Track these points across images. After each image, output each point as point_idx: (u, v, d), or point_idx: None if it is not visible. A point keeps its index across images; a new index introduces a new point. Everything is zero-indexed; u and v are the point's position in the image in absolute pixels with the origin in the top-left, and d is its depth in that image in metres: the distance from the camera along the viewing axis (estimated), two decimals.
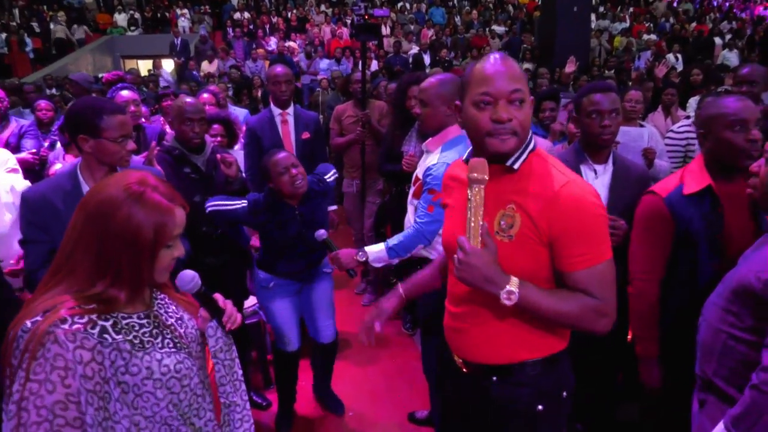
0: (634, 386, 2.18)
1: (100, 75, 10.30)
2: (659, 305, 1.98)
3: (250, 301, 3.28)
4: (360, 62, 4.32)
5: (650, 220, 1.94)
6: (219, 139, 3.30)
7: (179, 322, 1.34)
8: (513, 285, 1.29)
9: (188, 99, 2.70)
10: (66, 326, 1.11)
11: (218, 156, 2.71)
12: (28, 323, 1.10)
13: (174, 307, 1.36)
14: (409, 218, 2.51)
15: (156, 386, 1.20)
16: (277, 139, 3.44)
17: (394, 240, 2.33)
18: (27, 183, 2.83)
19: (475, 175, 1.28)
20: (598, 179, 2.16)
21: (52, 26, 15.56)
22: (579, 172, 2.15)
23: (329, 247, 2.45)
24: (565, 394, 1.47)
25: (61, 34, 15.64)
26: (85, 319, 1.14)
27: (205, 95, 4.56)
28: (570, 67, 5.08)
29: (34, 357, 1.07)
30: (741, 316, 1.45)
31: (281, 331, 2.83)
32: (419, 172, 2.46)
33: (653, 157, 3.19)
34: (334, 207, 3.68)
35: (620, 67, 10.20)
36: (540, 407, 1.43)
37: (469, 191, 1.29)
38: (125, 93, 3.52)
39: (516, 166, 1.36)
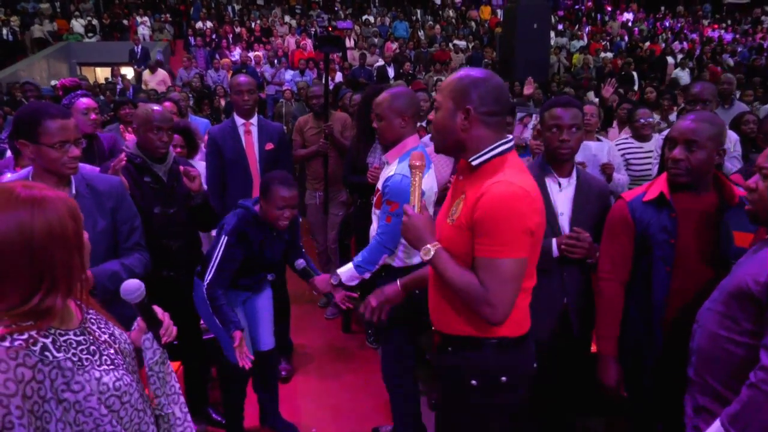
0: (600, 399, 2.21)
1: (53, 82, 10.00)
2: (621, 306, 2.05)
3: None
4: (324, 74, 4.30)
5: (615, 223, 2.05)
6: (178, 149, 3.22)
7: (112, 337, 1.31)
8: (433, 246, 1.57)
9: (155, 107, 2.61)
10: (6, 343, 1.06)
11: (181, 168, 2.63)
12: None
13: (104, 323, 1.33)
14: (374, 229, 2.53)
15: (98, 403, 1.18)
16: (240, 149, 3.38)
17: (359, 257, 2.44)
18: None
19: (414, 162, 1.69)
20: (562, 192, 2.19)
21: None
22: (544, 185, 2.18)
23: (308, 275, 2.64)
24: (504, 378, 1.60)
25: (39, 34, 15.28)
26: (25, 336, 1.09)
27: (167, 104, 4.48)
28: (528, 89, 5.19)
29: None
30: (739, 320, 1.49)
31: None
32: (379, 183, 2.52)
33: (611, 172, 3.28)
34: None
35: (578, 84, 10.48)
36: (473, 382, 1.61)
37: (411, 174, 1.69)
38: (85, 100, 3.41)
39: (474, 164, 1.56)
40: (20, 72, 13.09)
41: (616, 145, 3.78)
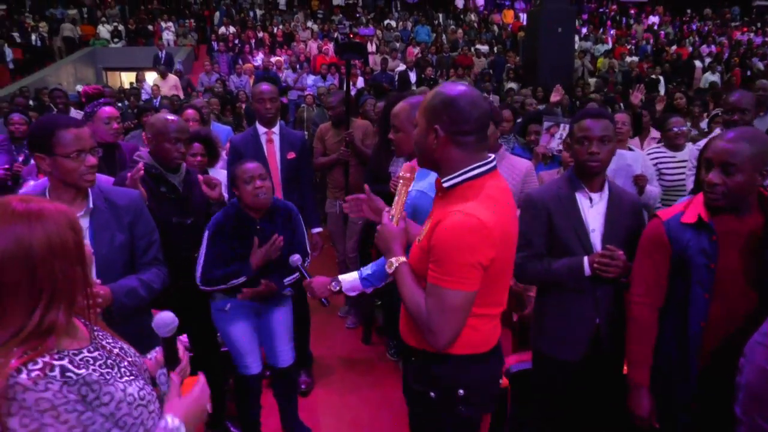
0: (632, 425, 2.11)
1: (78, 87, 10.14)
2: (655, 332, 1.94)
3: None
4: (345, 81, 4.25)
5: (649, 243, 1.93)
6: (199, 158, 3.19)
7: (122, 351, 1.28)
8: (397, 260, 1.63)
9: (171, 116, 2.58)
10: (24, 377, 1.01)
11: (200, 177, 2.60)
12: None
13: (111, 338, 1.30)
14: None
15: (128, 412, 1.15)
16: (262, 158, 3.34)
17: (368, 269, 2.27)
18: None
19: (402, 173, 1.76)
20: (594, 207, 2.09)
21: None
22: (574, 200, 2.09)
23: (302, 274, 2.38)
24: (461, 392, 1.62)
25: (69, 33, 15.58)
26: (40, 364, 1.04)
27: (189, 111, 4.46)
28: (555, 96, 5.07)
29: (8, 413, 0.98)
30: None
31: (240, 355, 2.72)
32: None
33: (644, 184, 3.17)
34: (319, 229, 3.57)
35: (606, 89, 10.28)
36: (432, 394, 1.65)
37: (399, 185, 1.74)
38: (107, 109, 3.40)
39: (445, 185, 1.58)
40: (48, 77, 13.33)
41: (648, 154, 3.66)
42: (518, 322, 2.67)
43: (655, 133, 4.51)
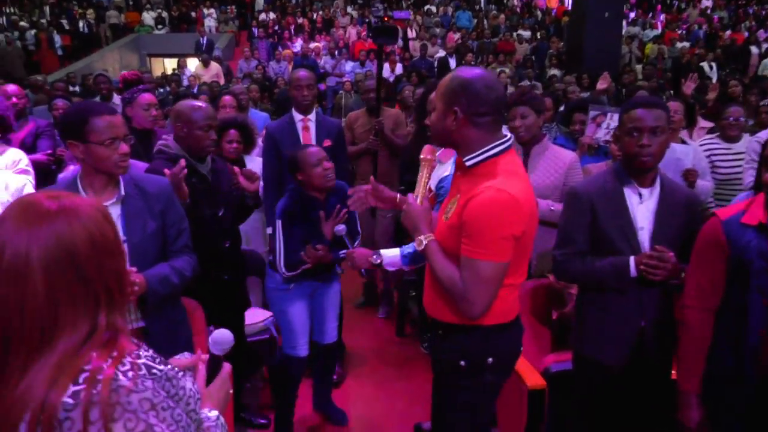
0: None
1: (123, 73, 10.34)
2: (709, 338, 1.81)
3: (263, 315, 3.14)
4: (378, 67, 4.16)
5: (706, 245, 1.80)
6: (234, 145, 3.16)
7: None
8: (426, 238, 1.70)
9: (198, 102, 2.53)
10: (124, 379, 0.93)
11: (237, 169, 2.56)
12: (69, 400, 0.89)
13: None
14: None
15: (194, 405, 1.09)
16: (298, 146, 3.29)
17: (409, 248, 2.23)
18: (25, 180, 2.69)
19: (424, 156, 1.82)
20: (644, 204, 1.96)
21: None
22: (621, 195, 1.96)
23: (346, 243, 2.51)
24: (491, 360, 1.71)
25: (115, 20, 16.12)
26: (128, 366, 0.95)
27: (227, 98, 4.46)
28: (602, 84, 4.85)
29: (112, 419, 0.90)
30: None
31: (294, 334, 2.78)
32: (433, 183, 2.46)
33: (694, 179, 2.99)
34: None
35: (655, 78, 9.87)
36: (462, 363, 1.72)
37: (420, 166, 1.81)
38: (147, 95, 3.42)
39: (468, 164, 1.63)
40: (94, 63, 13.66)
41: (701, 145, 3.46)
42: (557, 321, 2.56)
43: (703, 123, 4.27)
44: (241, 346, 2.91)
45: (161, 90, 9.21)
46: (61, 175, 3.23)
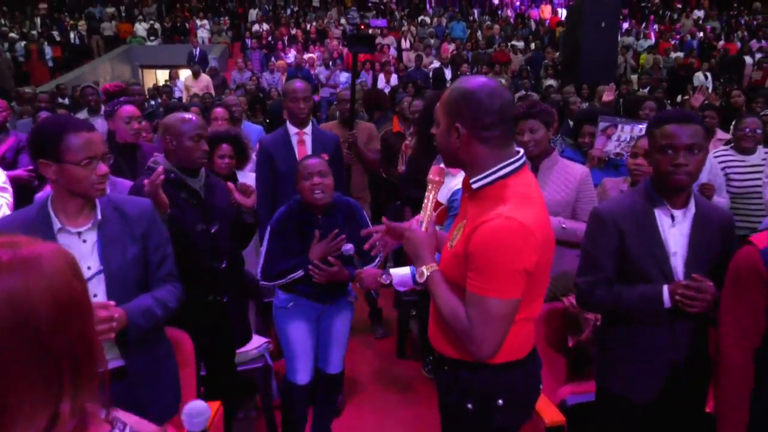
0: None
1: None
2: (752, 381, 1.62)
3: (256, 342, 2.94)
4: (351, 75, 3.98)
5: (742, 275, 1.61)
6: (227, 160, 2.98)
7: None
8: (428, 269, 1.53)
9: (187, 114, 2.37)
10: None
11: (231, 185, 2.39)
12: None
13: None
14: None
15: None
16: (293, 160, 3.12)
17: None
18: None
19: (432, 177, 1.62)
20: (676, 227, 1.78)
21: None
22: (652, 217, 1.79)
23: (354, 263, 2.39)
24: (501, 401, 1.53)
25: (109, 32, 15.94)
26: None
27: (218, 110, 4.29)
28: (609, 96, 4.71)
29: None
30: None
31: (293, 358, 2.62)
32: (441, 196, 2.34)
33: (711, 195, 2.84)
34: None
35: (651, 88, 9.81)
36: (469, 405, 1.55)
37: (427, 189, 1.62)
38: (128, 108, 3.23)
39: (474, 186, 1.47)
40: (86, 74, 13.46)
41: (714, 157, 3.31)
42: (574, 348, 2.38)
43: (721, 135, 4.13)
44: (232, 376, 2.71)
45: (153, 102, 9.03)
46: (38, 195, 3.04)
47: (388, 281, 2.06)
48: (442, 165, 1.66)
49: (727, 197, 3.07)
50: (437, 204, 2.28)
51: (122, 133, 3.20)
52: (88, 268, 1.68)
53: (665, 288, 1.73)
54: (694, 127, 1.73)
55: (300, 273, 2.48)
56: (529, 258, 1.37)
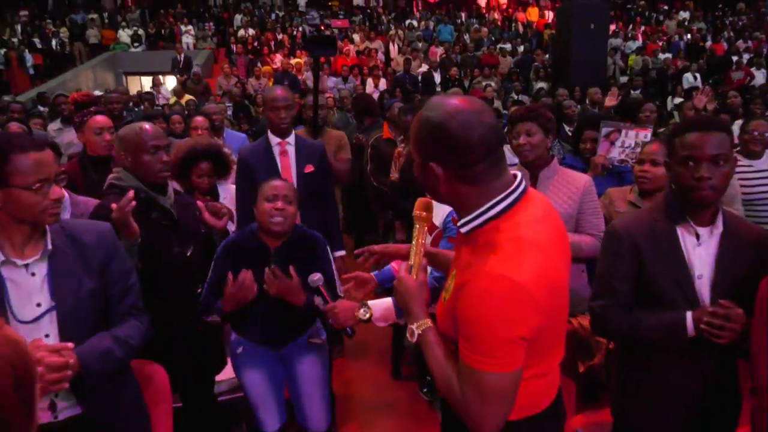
0: None
1: (97, 92, 9.89)
2: None
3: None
4: (314, 81, 3.72)
5: None
6: (206, 180, 2.76)
7: None
8: (420, 326, 1.30)
9: (145, 124, 2.16)
10: None
11: (201, 203, 2.19)
12: None
13: None
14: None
15: None
16: (275, 173, 2.90)
17: None
18: None
19: (417, 213, 1.38)
20: (702, 246, 1.60)
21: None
22: (674, 236, 1.61)
23: (323, 297, 1.99)
24: None
25: (94, 40, 15.61)
26: None
27: (198, 118, 4.08)
28: (611, 101, 4.54)
29: None
30: None
31: (255, 407, 2.31)
32: (437, 218, 2.12)
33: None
34: (342, 252, 3.11)
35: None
36: None
37: (414, 226, 1.38)
38: (99, 118, 3.01)
39: (462, 230, 1.23)
40: (68, 82, 13.17)
41: None
42: (585, 374, 2.20)
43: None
44: (211, 407, 2.50)
45: (136, 109, 8.78)
46: None
47: (367, 316, 1.78)
48: (428, 199, 1.41)
49: (742, 208, 2.89)
50: (432, 227, 2.09)
51: (93, 145, 2.98)
52: (38, 305, 1.47)
53: (689, 315, 1.55)
54: (719, 136, 1.54)
55: (214, 317, 2.15)
56: (527, 324, 1.12)
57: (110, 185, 2.10)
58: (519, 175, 1.24)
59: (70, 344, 1.41)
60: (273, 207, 2.12)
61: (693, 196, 1.56)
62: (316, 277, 2.04)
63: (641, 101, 4.06)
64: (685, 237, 1.60)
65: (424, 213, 1.38)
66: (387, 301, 1.80)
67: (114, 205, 1.84)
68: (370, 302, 1.82)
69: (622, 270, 1.63)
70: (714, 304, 1.54)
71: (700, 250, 1.60)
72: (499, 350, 1.12)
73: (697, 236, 1.60)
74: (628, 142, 2.95)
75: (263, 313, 2.18)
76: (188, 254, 2.18)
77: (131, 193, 1.85)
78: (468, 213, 1.20)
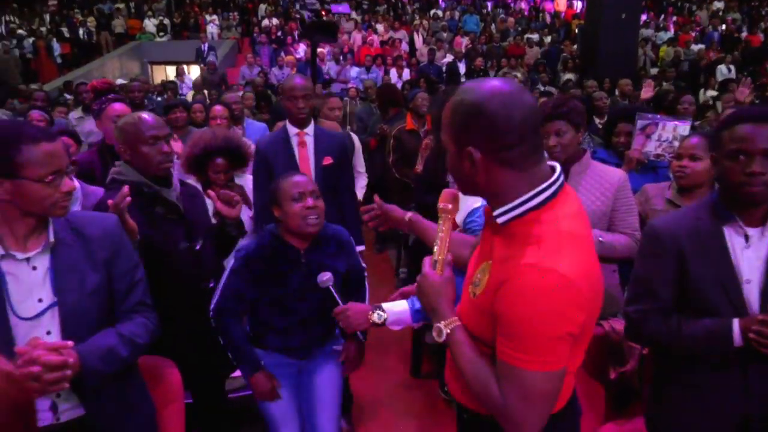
0: None
1: (120, 81, 9.95)
2: None
3: None
4: (311, 68, 3.63)
5: None
6: (222, 177, 2.68)
7: None
8: (448, 325, 1.23)
9: (144, 114, 2.08)
10: None
11: (212, 193, 2.10)
12: None
13: None
14: None
15: None
16: (293, 164, 2.82)
17: None
18: None
19: (444, 205, 1.29)
20: (751, 248, 1.47)
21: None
22: (721, 236, 1.48)
23: (335, 297, 1.88)
24: None
25: (120, 29, 15.78)
26: None
27: (217, 108, 4.03)
28: (647, 92, 4.34)
29: None
30: None
31: (274, 427, 2.14)
32: (459, 216, 1.99)
33: None
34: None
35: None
36: None
37: (439, 219, 1.30)
38: (117, 106, 2.96)
39: (499, 221, 1.15)
40: (94, 71, 13.29)
41: None
42: (616, 381, 2.08)
43: None
44: (223, 405, 2.43)
45: (159, 98, 8.80)
46: None
47: (381, 320, 1.70)
48: (454, 190, 1.34)
49: None
50: (454, 224, 1.99)
51: (111, 134, 2.93)
52: (40, 300, 1.40)
53: (736, 322, 1.42)
54: None
55: (239, 372, 2.03)
56: (575, 319, 1.07)
57: (112, 180, 2.03)
58: (557, 166, 1.17)
59: (70, 342, 1.34)
60: (304, 206, 1.94)
61: (743, 192, 1.43)
62: (326, 277, 1.92)
63: (680, 93, 3.86)
64: (732, 238, 1.48)
65: (450, 206, 1.29)
66: (402, 304, 1.73)
67: (110, 202, 1.76)
68: (384, 305, 1.74)
69: (663, 273, 1.51)
70: (764, 312, 1.40)
71: (749, 253, 1.47)
72: (546, 348, 1.08)
73: (746, 237, 1.47)
74: (665, 136, 2.79)
75: (288, 322, 2.06)
76: (197, 248, 2.11)
77: (125, 189, 1.78)
78: (506, 202, 1.13)
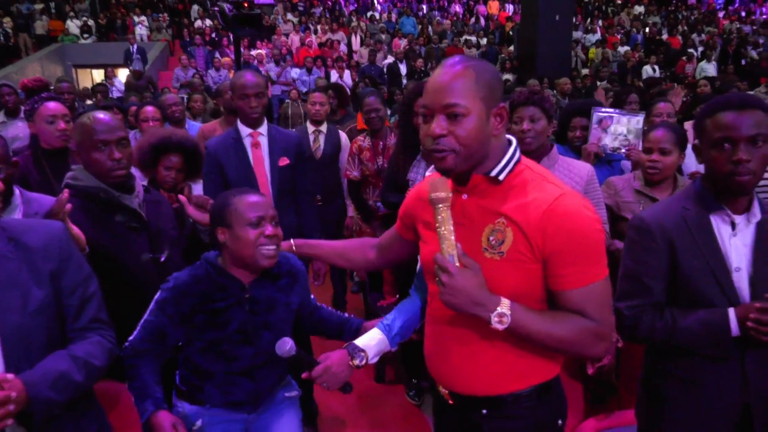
0: None
1: None
2: None
3: None
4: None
5: None
6: (173, 174, 2.44)
7: None
8: (504, 307, 1.19)
9: (100, 114, 1.87)
10: None
11: (183, 198, 1.92)
12: None
13: None
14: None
15: None
16: (247, 167, 2.65)
17: (396, 321, 1.57)
18: None
19: (438, 194, 1.21)
20: (738, 236, 1.46)
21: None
22: (708, 225, 1.46)
23: (304, 364, 1.51)
24: (560, 422, 1.37)
25: (41, 31, 14.93)
26: None
27: (149, 108, 3.73)
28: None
29: None
30: None
31: None
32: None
33: None
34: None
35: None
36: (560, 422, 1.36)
37: (435, 212, 1.21)
38: (51, 105, 2.69)
39: (501, 177, 1.25)
40: (12, 75, 12.41)
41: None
42: (594, 376, 2.05)
43: None
44: None
45: (88, 102, 8.29)
46: None
47: (363, 362, 1.49)
48: (437, 175, 1.25)
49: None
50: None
51: (46, 135, 2.67)
52: None
53: (731, 312, 1.40)
54: (756, 114, 1.40)
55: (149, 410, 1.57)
56: (602, 229, 1.26)
57: (66, 185, 1.81)
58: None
59: (10, 375, 1.15)
60: (260, 234, 1.61)
61: (731, 181, 1.41)
62: (288, 347, 1.49)
63: (623, 91, 3.95)
64: (720, 226, 1.46)
65: (442, 194, 1.20)
66: (374, 334, 1.54)
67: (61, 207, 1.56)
68: (358, 342, 1.52)
69: (654, 266, 1.48)
70: (754, 300, 1.39)
71: (736, 241, 1.45)
72: (603, 253, 1.22)
73: (733, 225, 1.46)
74: (621, 129, 2.83)
75: (228, 371, 1.71)
76: (162, 260, 1.93)
77: (65, 194, 1.58)
78: (497, 161, 1.25)
